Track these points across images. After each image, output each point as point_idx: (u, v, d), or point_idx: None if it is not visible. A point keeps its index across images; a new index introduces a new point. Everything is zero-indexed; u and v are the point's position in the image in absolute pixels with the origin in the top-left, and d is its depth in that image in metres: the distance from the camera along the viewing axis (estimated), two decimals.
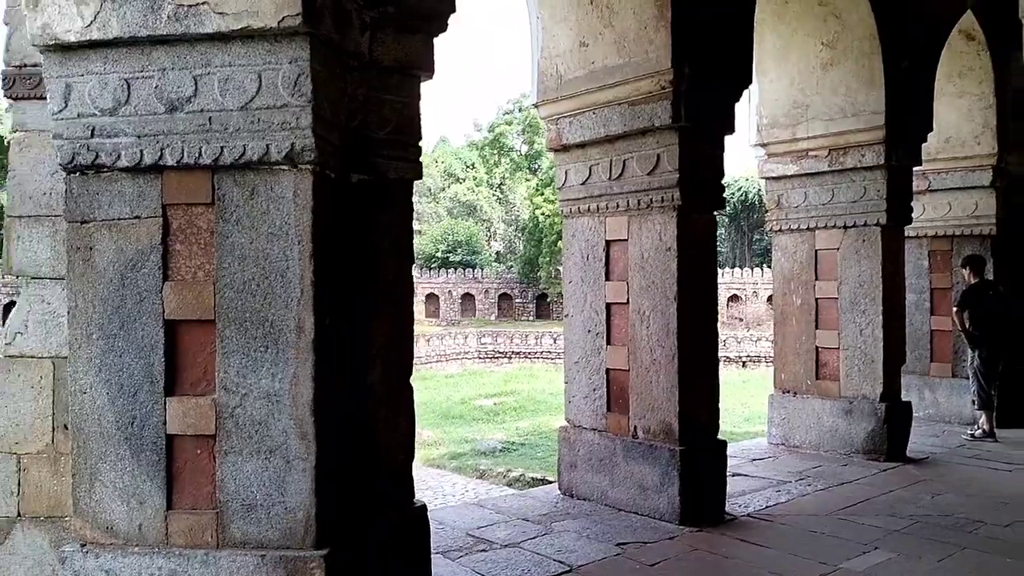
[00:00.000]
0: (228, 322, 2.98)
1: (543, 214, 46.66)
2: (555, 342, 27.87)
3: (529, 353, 27.46)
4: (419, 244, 57.44)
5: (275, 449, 2.96)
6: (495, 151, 57.82)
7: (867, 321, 6.72)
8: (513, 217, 60.82)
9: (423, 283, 50.44)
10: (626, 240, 5.15)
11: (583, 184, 5.38)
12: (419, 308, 50.05)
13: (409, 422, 3.62)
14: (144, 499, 2.99)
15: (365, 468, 3.45)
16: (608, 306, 5.29)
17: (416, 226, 67.30)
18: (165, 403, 2.98)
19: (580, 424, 5.49)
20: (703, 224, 5.07)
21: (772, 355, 7.64)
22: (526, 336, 28.11)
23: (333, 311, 3.17)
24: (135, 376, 3.00)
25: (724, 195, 5.22)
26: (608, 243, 5.29)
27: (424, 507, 3.66)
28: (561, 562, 4.16)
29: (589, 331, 5.42)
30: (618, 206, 5.17)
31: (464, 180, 62.38)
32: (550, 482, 10.31)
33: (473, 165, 62.89)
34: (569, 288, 5.59)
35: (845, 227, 6.86)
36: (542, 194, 48.14)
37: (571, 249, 5.56)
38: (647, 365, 5.02)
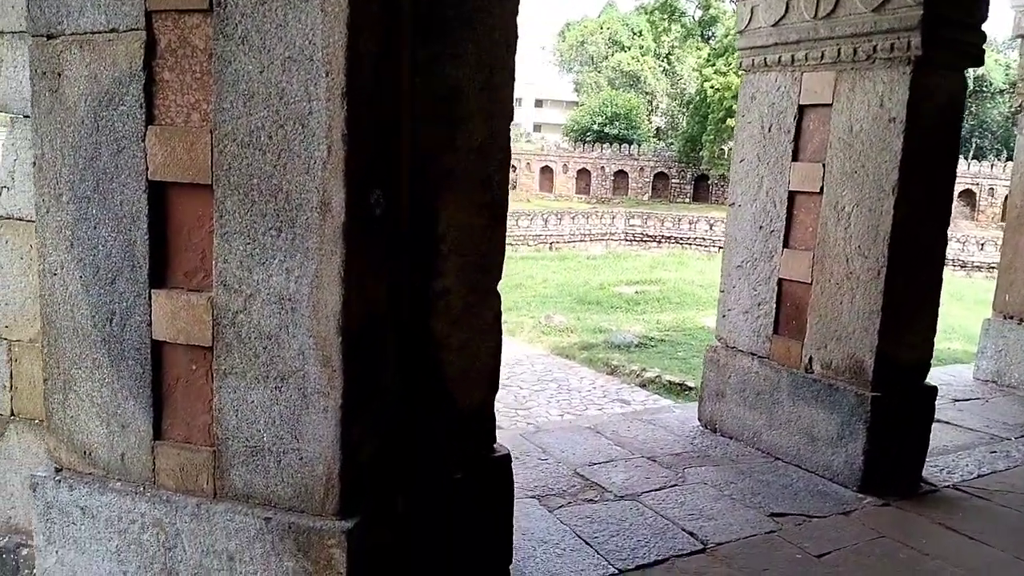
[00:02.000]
0: (229, 190, 2.04)
1: (712, 87, 42.86)
2: (711, 228, 25.76)
3: (681, 238, 25.61)
4: (575, 116, 55.36)
5: (288, 376, 2.07)
6: (665, 15, 53.37)
7: None
8: (679, 90, 56.83)
9: (575, 157, 48.72)
10: (829, 105, 3.72)
11: (775, 25, 3.93)
12: (569, 184, 48.71)
13: (494, 347, 2.64)
14: (127, 422, 2.21)
15: (425, 410, 2.53)
16: (792, 196, 3.95)
17: (574, 96, 64.93)
18: (150, 297, 2.14)
19: (735, 345, 4.32)
20: (949, 87, 3.54)
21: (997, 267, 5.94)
22: (679, 220, 26.17)
23: (381, 182, 2.16)
24: (113, 257, 2.15)
25: (984, 46, 3.61)
26: (802, 109, 3.88)
27: (507, 458, 2.71)
28: (692, 534, 3.15)
29: (761, 227, 4.13)
30: (822, 57, 3.71)
31: (629, 48, 58.59)
32: (688, 388, 9.32)
33: (640, 32, 58.72)
34: (739, 169, 4.26)
35: None
36: (713, 64, 44.08)
37: (748, 116, 4.19)
38: (839, 279, 3.71)
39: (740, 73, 4.24)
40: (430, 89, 2.45)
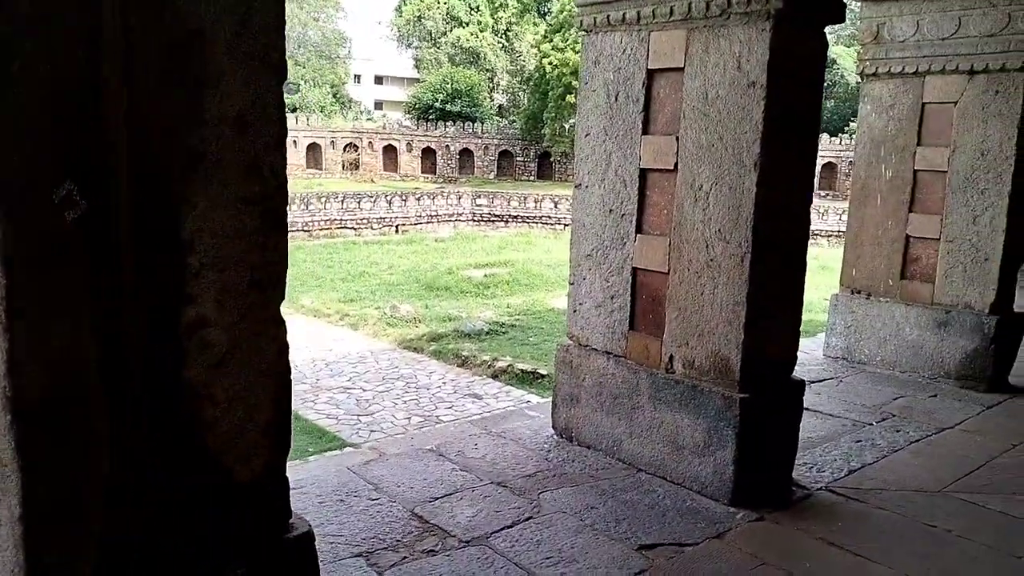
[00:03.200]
0: None
1: (551, 63, 43.07)
2: (556, 206, 25.75)
3: (528, 217, 25.44)
4: (416, 93, 54.18)
5: None
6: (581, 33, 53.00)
7: (986, 205, 4.92)
8: (518, 67, 56.91)
9: (419, 136, 47.70)
10: (681, 69, 3.26)
11: None
12: (414, 164, 47.69)
13: (279, 392, 1.95)
14: None
15: (183, 492, 1.80)
16: (643, 174, 3.48)
17: (415, 73, 63.55)
18: None
19: (589, 344, 3.83)
20: (811, 46, 3.17)
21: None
22: (525, 198, 25.98)
23: (75, 172, 1.43)
24: None
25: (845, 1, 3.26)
26: (651, 74, 3.40)
27: (308, 538, 2.03)
28: None
29: (611, 211, 3.64)
30: (672, 13, 3.24)
31: (468, 24, 57.92)
32: (541, 376, 8.92)
33: (478, 7, 58.18)
34: (585, 145, 3.75)
35: (971, 71, 4.90)
36: (551, 41, 44.31)
37: (592, 84, 3.67)
38: (699, 267, 3.28)
39: (581, 34, 3.71)
40: (157, 33, 1.69)
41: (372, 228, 21.68)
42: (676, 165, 3.32)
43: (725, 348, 3.22)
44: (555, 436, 3.97)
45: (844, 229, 5.93)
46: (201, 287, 1.80)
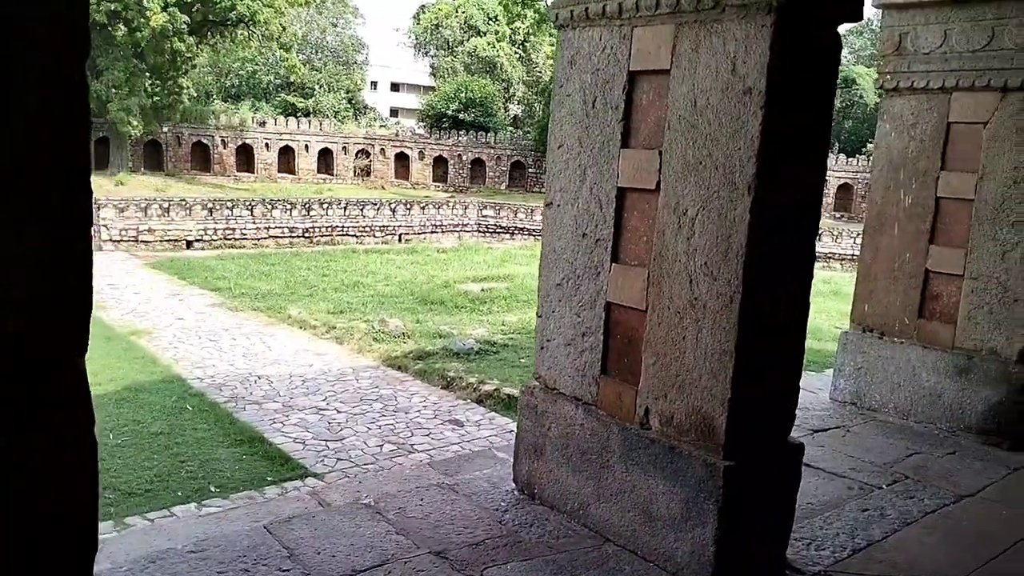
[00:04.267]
0: None
1: None
2: None
3: (534, 230, 24.75)
4: (430, 101, 53.94)
5: None
6: (518, 1, 52.83)
7: (1017, 239, 4.38)
8: (534, 78, 56.61)
9: (431, 144, 47.36)
10: (667, 72, 2.76)
11: None
12: (426, 172, 47.30)
13: (88, 491, 1.45)
14: None
15: None
16: (621, 193, 2.98)
17: (431, 81, 63.37)
18: None
19: (556, 387, 3.31)
20: (820, 47, 2.66)
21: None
22: (532, 211, 25.40)
23: None
24: None
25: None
26: (633, 77, 2.90)
27: None
28: None
29: (585, 235, 3.13)
30: (658, 5, 2.74)
31: (485, 34, 57.68)
32: None
33: (496, 17, 57.93)
34: (558, 158, 3.24)
35: (1004, 88, 4.37)
36: None
37: (567, 87, 3.18)
38: (680, 307, 2.76)
39: (556, 31, 3.22)
40: None
41: (374, 236, 21.24)
42: (658, 184, 2.81)
43: (709, 404, 2.70)
44: (515, 491, 3.45)
45: (857, 252, 5.38)
46: None
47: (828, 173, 2.78)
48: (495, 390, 8.11)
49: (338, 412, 7.56)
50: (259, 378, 8.56)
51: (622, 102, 2.92)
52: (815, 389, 5.40)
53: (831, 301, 14.58)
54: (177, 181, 37.82)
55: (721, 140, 2.58)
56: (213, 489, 5.62)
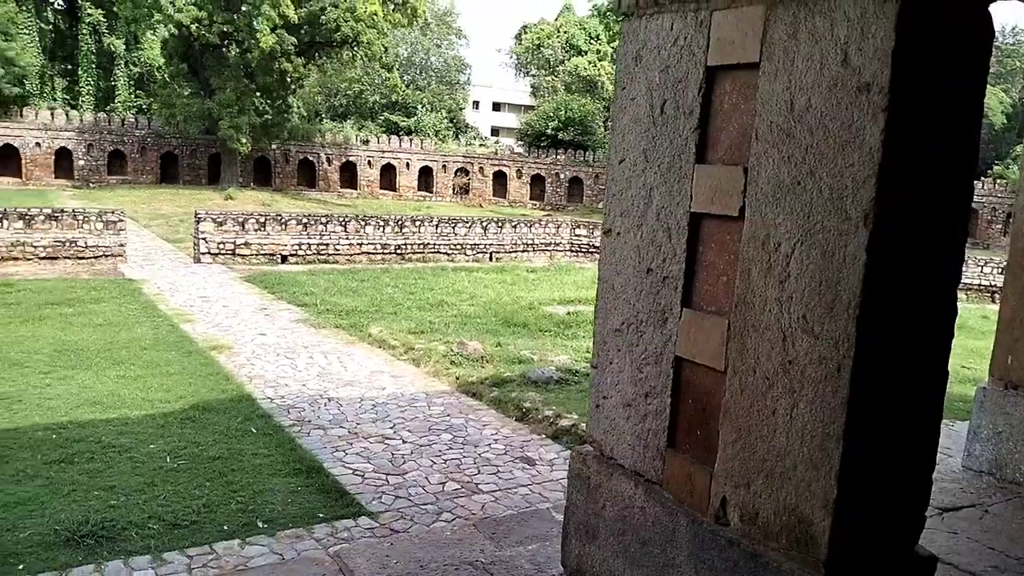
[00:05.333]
0: None
1: None
2: None
3: None
4: (529, 120, 54.02)
5: None
6: (619, 20, 52.18)
7: None
8: None
9: (529, 163, 47.29)
10: (755, 66, 2.13)
11: None
12: (523, 190, 47.24)
13: None
14: None
15: None
16: (696, 220, 2.36)
17: (531, 100, 63.55)
18: None
19: (613, 456, 2.71)
20: (966, 30, 1.98)
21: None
22: None
23: None
24: None
25: None
26: (712, 74, 2.28)
27: None
28: None
29: (650, 270, 2.53)
30: None
31: (586, 53, 57.37)
32: None
33: (597, 36, 57.55)
34: (619, 175, 2.66)
35: None
36: None
37: (631, 89, 2.59)
38: (770, 370, 2.12)
39: (620, 20, 2.64)
40: None
41: (465, 254, 20.99)
42: (742, 210, 2.19)
43: (806, 503, 2.03)
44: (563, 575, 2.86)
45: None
46: None
47: None
48: (572, 426, 7.49)
49: (404, 442, 7.14)
50: (329, 400, 8.27)
51: (697, 106, 2.31)
52: (943, 449, 4.53)
53: (956, 336, 13.17)
54: (283, 196, 39.16)
55: (827, 154, 1.94)
56: (260, 524, 5.26)
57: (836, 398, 1.93)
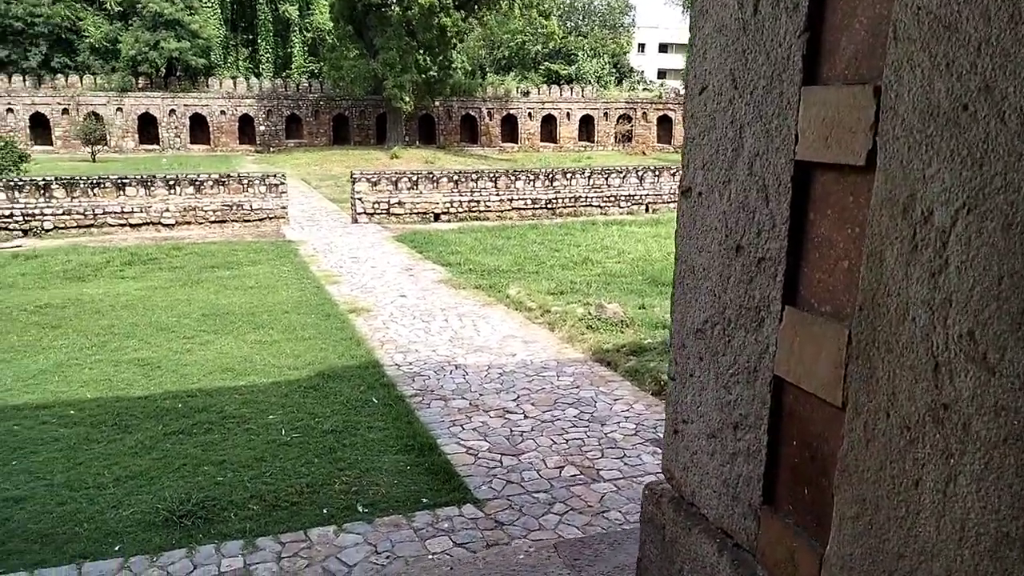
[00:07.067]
0: None
1: None
2: None
3: None
4: None
5: None
6: None
7: None
8: None
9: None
10: None
11: None
12: (653, 131, 44.89)
13: None
14: None
15: None
16: (804, 172, 1.55)
17: None
18: None
19: (693, 500, 1.98)
20: None
21: None
22: None
23: None
24: None
25: None
26: None
27: None
28: None
29: (740, 248, 1.75)
30: None
31: None
32: None
33: None
34: (698, 109, 1.87)
35: None
36: None
37: None
38: (913, 416, 1.31)
39: None
40: None
41: (619, 207, 20.02)
42: (872, 156, 1.36)
43: None
44: None
45: None
46: None
47: None
48: None
49: (525, 417, 6.64)
50: (456, 368, 7.93)
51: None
52: None
53: None
54: (446, 153, 39.78)
55: (1016, 54, 1.08)
56: (361, 509, 4.98)
57: (1016, 463, 1.11)
